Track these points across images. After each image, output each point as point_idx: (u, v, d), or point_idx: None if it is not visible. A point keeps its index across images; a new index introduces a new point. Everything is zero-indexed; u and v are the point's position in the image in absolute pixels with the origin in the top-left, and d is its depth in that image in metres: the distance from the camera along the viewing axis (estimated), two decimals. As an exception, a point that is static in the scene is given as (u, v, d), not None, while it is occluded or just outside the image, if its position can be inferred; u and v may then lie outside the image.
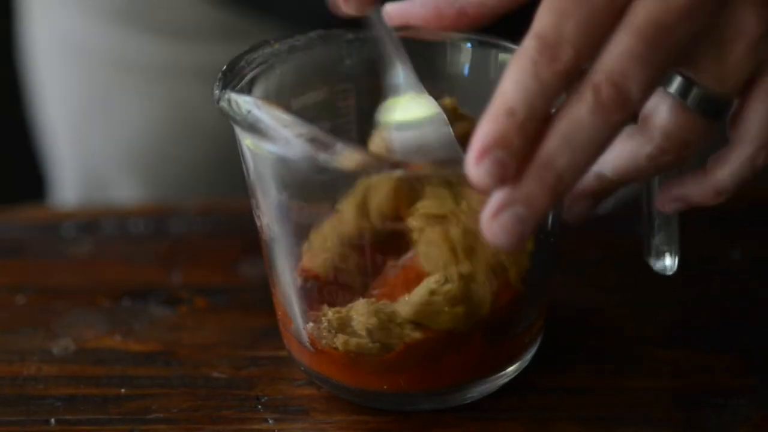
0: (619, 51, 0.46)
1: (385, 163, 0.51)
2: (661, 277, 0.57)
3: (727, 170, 0.52)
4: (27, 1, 0.90)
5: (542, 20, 0.46)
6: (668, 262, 0.56)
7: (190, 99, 0.82)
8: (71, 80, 0.86)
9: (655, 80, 0.47)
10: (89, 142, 0.87)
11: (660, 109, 0.50)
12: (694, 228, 0.58)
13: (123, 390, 0.57)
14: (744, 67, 0.50)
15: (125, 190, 0.86)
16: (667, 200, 0.54)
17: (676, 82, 0.50)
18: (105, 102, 0.84)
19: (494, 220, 0.46)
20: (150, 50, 0.82)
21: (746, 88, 0.51)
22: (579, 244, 0.66)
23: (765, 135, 0.51)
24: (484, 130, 0.45)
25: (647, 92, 0.46)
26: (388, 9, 0.56)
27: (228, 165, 0.82)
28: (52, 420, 0.56)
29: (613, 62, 0.46)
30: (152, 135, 0.84)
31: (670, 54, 0.47)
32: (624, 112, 0.46)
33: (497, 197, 0.46)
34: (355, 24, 0.58)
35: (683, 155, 0.51)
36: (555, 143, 0.45)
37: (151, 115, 0.83)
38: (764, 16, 0.49)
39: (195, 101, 0.82)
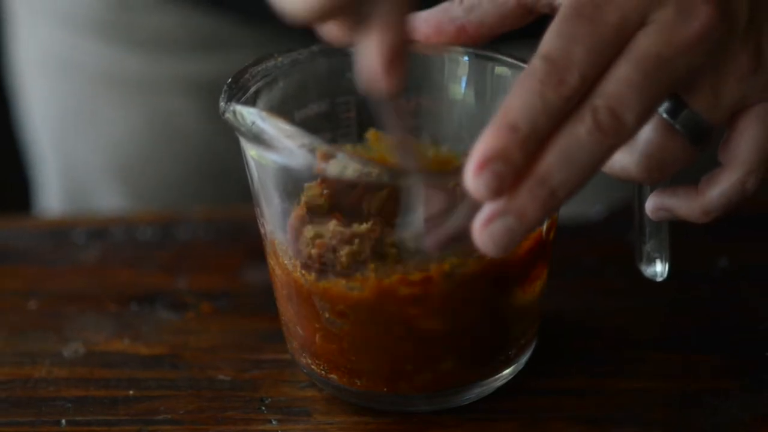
0: (618, 78, 0.47)
1: (383, 171, 0.52)
2: (652, 282, 0.58)
3: (717, 191, 0.53)
4: (12, 16, 0.90)
5: (551, 43, 0.47)
6: (659, 269, 0.57)
7: (172, 111, 0.83)
8: (55, 93, 0.87)
9: (651, 109, 0.48)
10: (73, 153, 0.87)
11: (646, 125, 0.51)
12: (684, 236, 0.59)
13: (131, 392, 0.58)
14: (734, 96, 0.51)
15: (110, 201, 0.86)
16: (655, 207, 0.55)
17: (667, 102, 0.51)
18: (88, 114, 0.85)
19: (485, 228, 0.47)
20: (131, 63, 0.82)
21: (734, 116, 0.52)
22: (574, 250, 0.67)
23: (755, 159, 0.52)
24: (487, 143, 0.46)
25: (642, 119, 0.48)
26: None
27: (211, 176, 0.83)
28: (63, 421, 0.57)
29: (612, 89, 0.47)
30: (135, 146, 0.84)
31: (667, 85, 0.48)
32: (619, 137, 0.47)
33: (491, 206, 0.47)
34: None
35: (657, 175, 0.52)
36: (552, 160, 0.47)
37: (134, 127, 0.84)
38: (753, 53, 0.51)
39: (177, 113, 0.82)
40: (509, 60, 0.57)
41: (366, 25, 0.45)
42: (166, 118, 0.83)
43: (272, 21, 0.78)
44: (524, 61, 0.55)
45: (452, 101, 0.59)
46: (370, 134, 0.59)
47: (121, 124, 0.84)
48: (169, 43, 0.81)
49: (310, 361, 0.57)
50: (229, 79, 0.55)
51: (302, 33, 0.57)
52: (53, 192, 0.91)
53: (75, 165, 0.88)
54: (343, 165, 0.51)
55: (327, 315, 0.54)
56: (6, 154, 1.17)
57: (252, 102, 0.55)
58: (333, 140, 0.59)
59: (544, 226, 0.54)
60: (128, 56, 0.82)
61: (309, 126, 0.55)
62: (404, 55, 0.46)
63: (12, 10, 0.90)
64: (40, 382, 0.59)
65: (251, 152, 0.54)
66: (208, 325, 0.63)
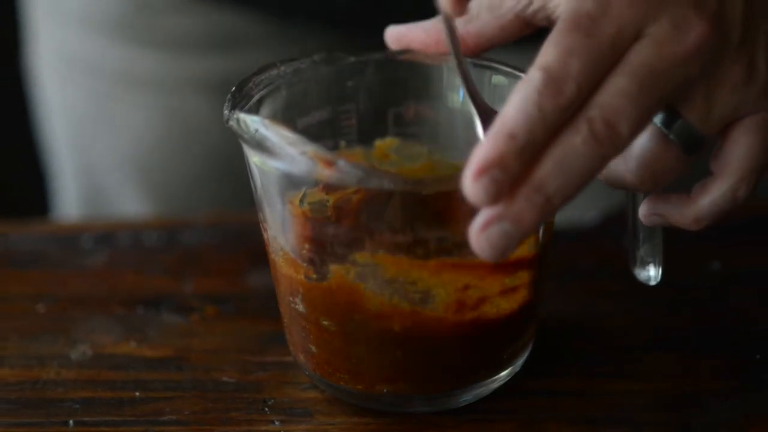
0: (614, 90, 0.48)
1: (384, 177, 0.52)
2: (647, 286, 0.58)
3: (708, 199, 0.53)
4: (30, 18, 0.91)
5: (549, 54, 0.48)
6: (652, 273, 0.58)
7: (190, 111, 0.83)
8: (73, 94, 0.87)
9: (646, 119, 0.49)
10: (91, 154, 0.88)
11: (641, 135, 0.51)
12: (677, 241, 0.59)
13: (137, 393, 0.59)
14: (727, 107, 0.52)
15: (127, 203, 0.87)
16: (648, 213, 0.55)
17: (661, 113, 0.51)
18: (106, 115, 0.85)
19: (482, 233, 0.48)
20: (149, 63, 0.83)
21: (727, 127, 0.53)
22: (570, 253, 0.68)
23: (746, 168, 0.53)
24: (485, 150, 0.47)
25: (637, 130, 0.49)
26: (390, 31, 0.58)
27: (229, 175, 0.83)
28: (71, 422, 0.57)
29: (608, 100, 0.48)
30: (153, 147, 0.85)
31: (661, 96, 0.49)
32: (614, 147, 0.48)
33: (487, 212, 0.48)
34: (356, 46, 0.60)
35: (650, 184, 0.52)
36: (548, 168, 0.47)
37: (152, 128, 0.84)
38: (747, 65, 0.52)
39: (194, 113, 0.83)
40: (507, 69, 0.57)
41: None
42: (183, 119, 0.83)
43: (290, 19, 0.78)
44: (521, 70, 0.56)
45: (451, 109, 0.59)
46: (377, 144, 0.60)
47: (138, 125, 0.84)
48: (187, 44, 0.82)
49: (311, 363, 0.58)
50: (233, 88, 0.56)
51: (319, 32, 0.57)
52: (71, 194, 0.91)
53: (92, 166, 0.88)
54: (344, 172, 0.52)
55: (327, 317, 0.55)
56: (24, 159, 1.17)
57: (255, 110, 0.56)
58: (334, 148, 0.60)
59: (541, 231, 0.55)
60: (146, 57, 0.83)
61: (311, 134, 0.55)
62: None
63: (30, 13, 0.91)
64: (48, 384, 0.60)
65: (254, 159, 0.54)
66: (213, 328, 0.63)
